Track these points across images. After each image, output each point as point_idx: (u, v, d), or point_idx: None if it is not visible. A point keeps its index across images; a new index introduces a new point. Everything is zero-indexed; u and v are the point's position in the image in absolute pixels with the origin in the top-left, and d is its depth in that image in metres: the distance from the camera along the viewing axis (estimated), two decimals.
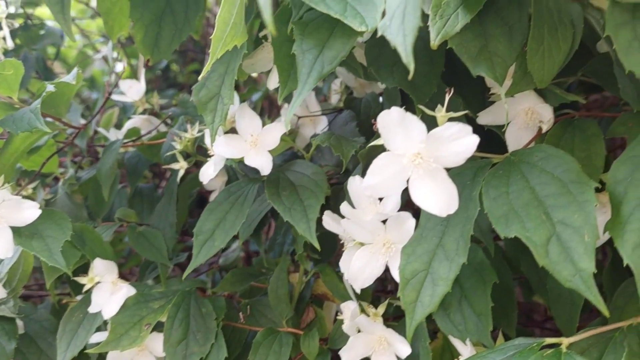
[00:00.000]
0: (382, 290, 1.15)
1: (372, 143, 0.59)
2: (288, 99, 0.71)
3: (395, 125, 0.54)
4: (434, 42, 0.55)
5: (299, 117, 0.99)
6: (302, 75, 0.58)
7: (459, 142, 0.53)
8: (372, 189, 0.56)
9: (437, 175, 0.55)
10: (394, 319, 0.78)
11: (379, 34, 0.48)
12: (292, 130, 1.01)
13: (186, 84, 1.94)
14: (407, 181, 0.56)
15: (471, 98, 0.71)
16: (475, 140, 0.52)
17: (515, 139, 0.68)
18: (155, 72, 1.84)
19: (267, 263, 0.94)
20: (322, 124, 1.00)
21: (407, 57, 0.44)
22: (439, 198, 0.55)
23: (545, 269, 0.51)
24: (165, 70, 1.94)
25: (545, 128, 0.66)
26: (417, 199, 0.55)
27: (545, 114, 0.66)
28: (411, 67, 0.44)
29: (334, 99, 1.11)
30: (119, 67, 1.23)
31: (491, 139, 0.72)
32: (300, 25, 0.60)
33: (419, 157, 0.55)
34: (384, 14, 0.53)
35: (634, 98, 0.58)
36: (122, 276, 0.87)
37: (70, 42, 2.09)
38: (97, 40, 1.83)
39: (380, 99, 1.01)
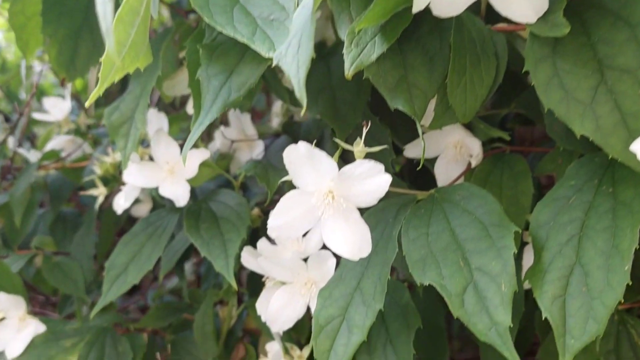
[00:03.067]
0: None
1: (284, 179, 0.54)
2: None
3: (303, 161, 0.50)
4: (348, 72, 0.50)
5: (234, 141, 0.94)
6: (206, 103, 0.53)
7: (370, 181, 0.49)
8: (277, 231, 0.51)
9: (349, 215, 0.51)
10: None
11: (274, 63, 0.44)
12: (227, 155, 0.96)
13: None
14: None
15: (402, 129, 0.67)
16: (387, 179, 0.48)
17: (445, 173, 0.64)
18: None
19: (195, 296, 0.88)
20: (259, 149, 0.95)
21: (300, 91, 0.39)
22: (350, 241, 0.50)
23: (461, 320, 0.47)
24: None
25: (474, 163, 0.62)
26: (327, 240, 0.51)
27: (474, 148, 0.62)
28: (304, 101, 0.39)
29: (275, 122, 1.07)
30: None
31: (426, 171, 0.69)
32: (208, 49, 0.56)
33: (330, 196, 0.50)
34: None
35: (560, 135, 0.55)
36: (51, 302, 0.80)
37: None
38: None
39: None
